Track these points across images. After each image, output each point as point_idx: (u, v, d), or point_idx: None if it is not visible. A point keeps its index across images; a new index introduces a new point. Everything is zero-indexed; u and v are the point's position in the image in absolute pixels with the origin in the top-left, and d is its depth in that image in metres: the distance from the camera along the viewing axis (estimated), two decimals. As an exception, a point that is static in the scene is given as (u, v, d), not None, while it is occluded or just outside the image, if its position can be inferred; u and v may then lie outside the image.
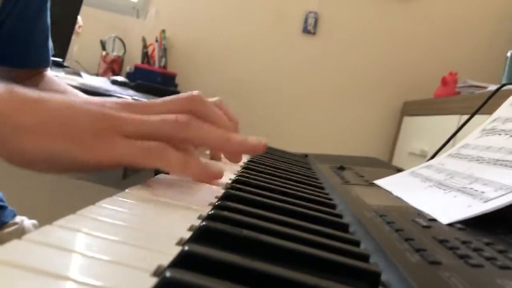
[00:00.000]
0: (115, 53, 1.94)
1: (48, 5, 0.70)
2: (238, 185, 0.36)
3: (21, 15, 0.66)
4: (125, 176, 0.74)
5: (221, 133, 0.37)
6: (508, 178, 0.37)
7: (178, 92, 1.79)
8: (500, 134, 0.48)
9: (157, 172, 0.38)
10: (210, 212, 0.27)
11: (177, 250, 0.20)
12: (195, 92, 0.38)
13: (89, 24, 1.87)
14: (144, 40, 1.92)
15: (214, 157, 0.50)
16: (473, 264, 0.24)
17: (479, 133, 0.53)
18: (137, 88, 1.65)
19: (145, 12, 2.04)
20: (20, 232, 0.68)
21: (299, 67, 2.06)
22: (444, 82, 1.80)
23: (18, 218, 0.71)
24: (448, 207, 0.37)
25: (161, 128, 0.34)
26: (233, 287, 0.18)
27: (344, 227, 0.31)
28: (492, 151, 0.45)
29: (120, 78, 1.72)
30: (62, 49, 1.60)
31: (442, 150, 0.62)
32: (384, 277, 0.22)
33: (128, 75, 1.86)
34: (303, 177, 0.51)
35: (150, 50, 1.93)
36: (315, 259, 0.22)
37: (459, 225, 0.33)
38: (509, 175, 0.37)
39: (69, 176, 1.41)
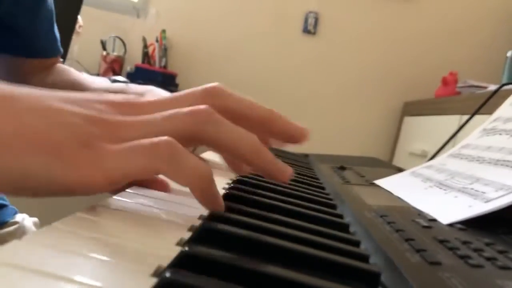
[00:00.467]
0: (115, 53, 1.94)
1: None
2: (238, 185, 0.36)
3: (19, 1, 0.64)
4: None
5: (253, 140, 0.28)
6: (508, 178, 0.37)
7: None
8: (500, 134, 0.48)
9: None
10: (210, 213, 0.27)
11: (177, 250, 0.20)
12: (214, 84, 0.30)
13: (89, 24, 1.87)
14: (144, 40, 1.92)
15: (234, 168, 0.37)
16: (473, 264, 0.24)
17: (480, 133, 0.53)
18: (138, 88, 1.65)
19: (145, 12, 2.04)
20: (21, 231, 0.68)
21: (299, 67, 2.06)
22: (444, 82, 1.80)
23: (19, 216, 0.71)
24: (448, 207, 0.37)
25: (169, 125, 0.26)
26: (233, 287, 0.18)
27: (345, 227, 0.31)
28: (492, 151, 0.45)
29: (120, 78, 1.72)
30: (62, 48, 1.60)
31: (443, 150, 0.62)
32: (384, 278, 0.22)
33: (128, 75, 1.86)
34: (303, 177, 0.51)
35: (150, 50, 1.93)
36: (315, 259, 0.22)
37: (459, 226, 0.33)
38: (510, 175, 0.37)
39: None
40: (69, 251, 0.18)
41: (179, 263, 0.19)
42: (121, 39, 1.96)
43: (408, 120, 1.95)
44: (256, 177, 0.41)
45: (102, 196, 0.27)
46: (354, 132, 2.07)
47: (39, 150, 0.22)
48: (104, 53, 1.91)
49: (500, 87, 0.71)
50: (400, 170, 0.63)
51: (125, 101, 0.28)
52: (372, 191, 0.47)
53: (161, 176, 0.32)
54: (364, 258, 0.24)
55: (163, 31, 1.96)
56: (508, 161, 0.41)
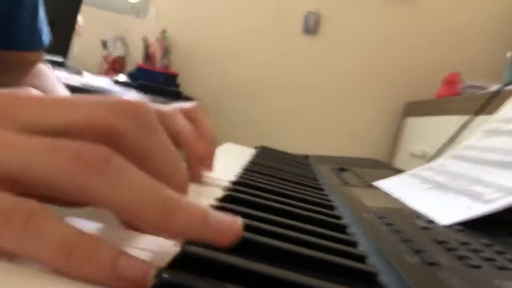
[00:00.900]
0: (116, 53, 1.94)
1: None
2: (237, 187, 0.36)
3: None
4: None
5: (158, 198, 0.18)
6: (508, 180, 0.37)
7: (180, 92, 1.76)
8: (502, 135, 0.48)
9: None
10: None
11: (175, 251, 0.20)
12: (136, 100, 0.20)
13: (89, 24, 1.88)
14: (145, 40, 1.92)
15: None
16: (471, 265, 0.24)
17: (481, 134, 0.53)
18: (139, 88, 1.65)
19: (144, 12, 2.05)
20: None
21: (299, 67, 2.06)
22: (445, 82, 1.80)
23: None
24: (447, 209, 0.37)
25: (36, 166, 0.17)
26: (231, 288, 0.18)
27: (343, 229, 0.31)
28: (494, 152, 0.45)
29: (122, 78, 1.73)
30: (63, 48, 1.60)
31: (444, 151, 0.62)
32: (382, 278, 0.22)
33: (130, 75, 1.86)
34: (302, 178, 0.51)
35: (151, 50, 1.93)
36: (313, 260, 0.22)
37: (458, 227, 0.33)
38: (510, 177, 0.37)
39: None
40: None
41: (178, 263, 0.19)
42: (122, 39, 1.97)
43: (409, 120, 1.95)
44: (256, 178, 0.41)
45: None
46: (354, 133, 2.07)
47: None
48: (105, 53, 1.92)
49: (502, 87, 0.71)
50: (399, 171, 0.63)
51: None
52: (371, 192, 0.47)
53: None
54: (361, 259, 0.24)
55: (164, 31, 1.96)
56: (508, 162, 0.41)
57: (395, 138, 2.04)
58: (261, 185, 0.39)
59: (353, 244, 0.27)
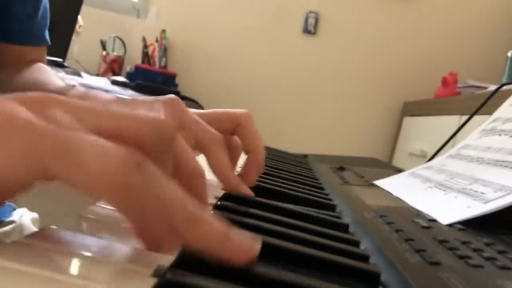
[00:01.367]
0: (115, 53, 1.94)
1: None
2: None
3: None
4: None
5: (187, 206, 0.19)
6: (508, 179, 0.37)
7: (178, 92, 1.77)
8: (500, 135, 0.48)
9: None
10: (210, 213, 0.27)
11: (177, 250, 0.20)
12: (173, 96, 0.25)
13: (89, 24, 1.87)
14: (144, 40, 1.92)
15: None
16: (473, 264, 0.24)
17: (479, 134, 0.53)
18: (137, 88, 1.65)
19: (145, 12, 2.04)
20: (19, 230, 0.68)
21: (299, 67, 2.06)
22: (444, 82, 1.80)
23: (18, 212, 0.70)
24: (448, 208, 0.37)
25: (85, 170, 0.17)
26: (233, 287, 0.18)
27: (344, 228, 0.31)
28: (492, 151, 0.45)
29: (120, 78, 1.72)
30: (62, 49, 1.60)
31: (442, 151, 0.62)
32: (384, 278, 0.22)
33: (128, 75, 1.86)
34: (302, 177, 0.51)
35: (150, 50, 1.93)
36: (315, 260, 0.22)
37: (459, 226, 0.33)
38: (509, 176, 0.37)
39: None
40: (69, 252, 0.18)
41: (179, 263, 0.19)
42: (121, 39, 1.96)
43: (407, 120, 1.95)
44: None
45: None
46: (354, 132, 2.07)
47: None
48: (104, 53, 1.91)
49: (500, 87, 0.71)
50: (399, 170, 0.63)
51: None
52: (372, 191, 0.47)
53: None
54: (364, 258, 0.24)
55: (163, 31, 1.96)
56: (507, 161, 0.41)
57: (394, 138, 2.04)
58: (260, 184, 0.39)
59: (355, 243, 0.27)
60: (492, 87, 1.41)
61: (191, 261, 0.19)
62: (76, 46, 1.80)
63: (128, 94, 1.49)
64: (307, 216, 0.32)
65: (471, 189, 0.39)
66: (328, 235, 0.27)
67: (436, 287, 0.21)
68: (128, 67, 1.94)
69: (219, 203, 0.29)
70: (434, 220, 0.34)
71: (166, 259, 0.19)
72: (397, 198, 0.43)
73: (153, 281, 0.17)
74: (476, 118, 0.65)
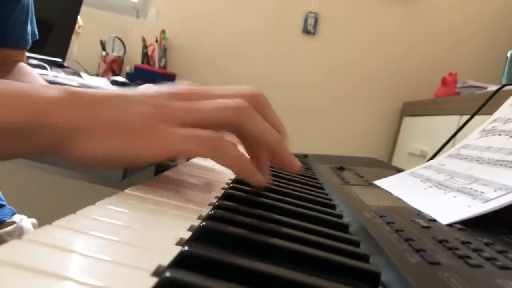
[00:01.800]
0: (115, 53, 1.94)
1: None
2: (237, 185, 0.36)
3: None
4: (124, 176, 0.74)
5: (276, 133, 0.34)
6: (508, 178, 0.37)
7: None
8: (500, 135, 0.48)
9: (157, 172, 0.38)
10: (210, 212, 0.27)
11: (176, 250, 0.20)
12: (256, 89, 0.36)
13: (89, 24, 1.87)
14: (144, 40, 1.92)
15: (252, 157, 0.39)
16: (473, 264, 0.24)
17: (479, 134, 0.53)
18: (137, 88, 1.64)
19: (145, 12, 2.04)
20: (19, 231, 0.68)
21: (299, 68, 2.06)
22: (444, 82, 1.80)
23: (17, 217, 0.71)
24: (447, 208, 0.37)
25: (216, 114, 0.32)
26: (233, 287, 0.18)
27: (344, 228, 0.31)
28: (492, 151, 0.45)
29: (120, 79, 1.72)
30: (62, 49, 1.60)
31: (442, 151, 0.62)
32: (384, 278, 0.22)
33: (128, 76, 1.86)
34: (302, 177, 0.51)
35: (150, 50, 1.93)
36: (315, 259, 0.22)
37: (458, 226, 0.33)
38: (509, 176, 0.37)
39: (68, 175, 1.41)
40: (69, 251, 0.18)
41: (179, 262, 0.19)
42: (120, 40, 1.96)
43: (407, 120, 1.95)
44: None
45: (102, 196, 0.27)
46: (353, 132, 2.07)
47: (119, 135, 0.31)
48: (104, 53, 1.91)
49: (501, 87, 0.71)
50: (399, 170, 0.63)
51: (179, 91, 0.35)
52: (372, 191, 0.47)
53: None
54: (364, 258, 0.24)
55: (163, 31, 1.96)
56: (507, 161, 0.41)
57: (393, 138, 2.04)
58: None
59: (355, 243, 0.27)
60: (492, 87, 1.41)
61: (191, 261, 0.19)
62: (75, 46, 1.80)
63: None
64: (307, 216, 0.32)
65: (471, 189, 0.39)
66: (328, 235, 0.27)
67: (436, 287, 0.21)
68: (127, 68, 1.94)
69: (219, 202, 0.29)
70: (434, 220, 0.34)
71: (166, 259, 0.19)
72: (397, 198, 0.43)
73: (153, 281, 0.17)
74: (476, 118, 0.65)
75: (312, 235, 0.25)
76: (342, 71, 2.06)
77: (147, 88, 0.35)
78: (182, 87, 0.36)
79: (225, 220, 0.25)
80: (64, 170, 1.06)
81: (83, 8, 1.64)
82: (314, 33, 2.04)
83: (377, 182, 0.52)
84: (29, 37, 0.73)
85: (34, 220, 0.73)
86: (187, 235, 0.23)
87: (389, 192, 0.46)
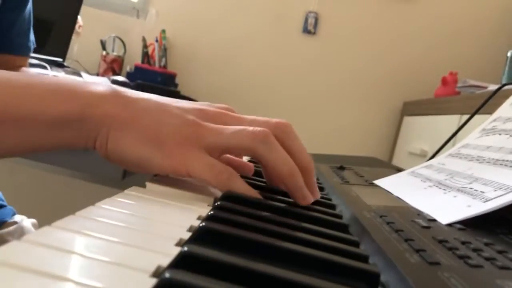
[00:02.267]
0: (115, 53, 1.94)
1: None
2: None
3: (6, 6, 0.69)
4: (124, 176, 0.74)
5: (292, 165, 0.34)
6: (508, 178, 0.37)
7: (178, 92, 1.78)
8: (500, 134, 0.48)
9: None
10: (209, 213, 0.27)
11: (176, 250, 0.20)
12: (283, 120, 0.37)
13: (89, 24, 1.87)
14: (144, 40, 1.92)
15: (269, 183, 0.39)
16: (472, 264, 0.24)
17: (479, 133, 0.53)
18: (137, 88, 1.64)
19: (145, 12, 2.04)
20: (20, 231, 0.68)
21: (299, 67, 2.06)
22: (444, 82, 1.80)
23: (17, 217, 0.71)
24: (447, 207, 0.37)
25: (235, 139, 0.34)
26: (233, 287, 0.18)
27: (344, 228, 0.31)
28: (492, 151, 0.45)
29: (120, 78, 1.72)
30: (62, 49, 1.60)
31: (442, 150, 0.62)
32: (383, 278, 0.22)
33: (128, 75, 1.86)
34: (303, 177, 0.50)
35: (150, 50, 1.93)
36: (315, 260, 0.22)
37: (458, 225, 0.33)
38: (509, 175, 0.37)
39: (68, 175, 1.41)
40: (69, 251, 0.18)
41: (179, 263, 0.19)
42: (120, 39, 1.96)
43: (407, 120, 1.95)
44: (254, 177, 0.41)
45: (101, 196, 0.27)
46: (354, 132, 2.07)
47: (149, 142, 0.33)
48: (104, 53, 1.91)
49: (500, 87, 0.71)
50: (399, 170, 0.63)
51: (212, 111, 0.37)
52: (372, 191, 0.47)
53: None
54: (364, 258, 0.24)
55: (163, 31, 1.96)
56: (507, 160, 0.41)
57: (393, 137, 2.04)
58: (260, 184, 0.39)
59: (355, 243, 0.27)
60: (492, 87, 1.40)
61: (190, 261, 0.19)
62: (76, 46, 1.80)
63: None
64: (307, 216, 0.32)
65: (471, 188, 0.39)
66: (328, 235, 0.27)
67: (436, 287, 0.21)
68: (128, 67, 1.94)
69: (218, 203, 0.29)
70: (434, 220, 0.34)
71: (166, 259, 0.19)
72: (397, 198, 0.43)
73: (153, 281, 0.17)
74: (476, 117, 0.65)
75: (312, 235, 0.25)
76: (342, 70, 2.06)
77: (183, 101, 0.37)
78: (213, 108, 0.38)
79: (225, 220, 0.25)
80: (64, 170, 1.06)
81: (83, 8, 1.64)
82: (314, 33, 2.04)
83: (377, 182, 0.52)
84: (31, 44, 0.76)
85: (34, 220, 0.73)
86: (186, 235, 0.23)
87: (389, 192, 0.46)
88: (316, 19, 2.03)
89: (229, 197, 0.32)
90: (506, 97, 0.55)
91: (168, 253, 0.20)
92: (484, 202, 0.35)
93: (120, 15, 2.03)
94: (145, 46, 1.91)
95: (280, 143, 0.35)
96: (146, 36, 1.93)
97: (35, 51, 0.85)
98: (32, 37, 0.78)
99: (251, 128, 0.34)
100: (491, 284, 0.22)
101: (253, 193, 0.34)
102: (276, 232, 0.25)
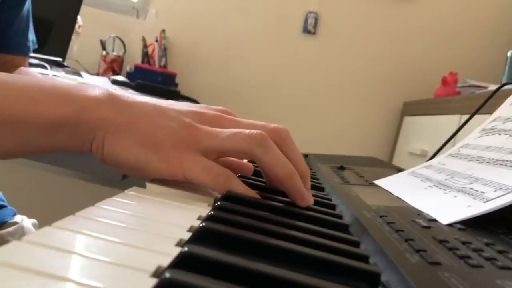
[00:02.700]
0: (115, 53, 1.94)
1: None
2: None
3: (3, 4, 0.69)
4: (124, 176, 0.74)
5: (290, 168, 0.34)
6: (508, 178, 0.37)
7: (178, 92, 1.78)
8: (500, 134, 0.48)
9: None
10: (209, 213, 0.27)
11: (176, 251, 0.20)
12: (280, 126, 0.37)
13: (89, 24, 1.87)
14: (144, 40, 1.92)
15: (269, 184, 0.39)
16: (473, 264, 0.24)
17: (479, 133, 0.53)
18: (137, 88, 1.65)
19: (145, 12, 2.04)
20: (20, 232, 0.68)
21: (299, 67, 2.06)
22: (444, 82, 1.80)
23: (18, 217, 0.71)
24: (448, 207, 0.37)
25: (231, 142, 0.34)
26: (233, 287, 0.18)
27: (344, 228, 0.31)
28: (492, 151, 0.45)
29: (120, 78, 1.72)
30: (62, 48, 1.60)
31: (442, 150, 0.62)
32: (384, 278, 0.22)
33: (128, 75, 1.86)
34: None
35: (150, 50, 1.93)
36: (315, 260, 0.22)
37: (459, 226, 0.33)
38: (509, 175, 0.37)
39: (68, 175, 1.41)
40: (69, 252, 0.18)
41: (179, 263, 0.19)
42: (120, 39, 1.96)
43: (407, 120, 1.95)
44: (254, 177, 0.41)
45: (102, 197, 0.27)
46: (354, 132, 2.07)
47: (145, 146, 0.33)
48: (104, 53, 1.91)
49: (500, 87, 0.71)
50: (399, 170, 0.63)
51: (209, 114, 0.37)
52: (372, 191, 0.47)
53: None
54: (364, 259, 0.24)
55: (163, 31, 1.96)
56: (507, 160, 0.41)
57: (394, 137, 2.04)
58: (260, 184, 0.39)
59: (355, 243, 0.27)
60: (492, 87, 1.40)
61: (190, 261, 0.19)
62: (76, 46, 1.80)
63: (128, 93, 1.49)
64: (307, 216, 0.32)
65: (471, 188, 0.39)
66: (328, 235, 0.27)
67: (436, 287, 0.21)
68: (128, 67, 1.94)
69: (219, 203, 0.29)
70: (434, 220, 0.34)
71: (166, 259, 0.19)
72: (397, 198, 0.43)
73: (153, 281, 0.17)
74: (476, 117, 0.65)
75: (312, 236, 0.25)
76: (342, 70, 2.06)
77: (180, 104, 0.37)
78: (211, 111, 0.38)
79: (225, 220, 0.25)
80: (64, 170, 1.06)
81: (83, 8, 1.64)
82: (314, 33, 2.04)
83: (378, 182, 0.52)
84: (30, 44, 0.76)
85: (34, 221, 0.74)
86: (186, 235, 0.23)
87: (390, 192, 0.46)
88: (316, 19, 2.03)
89: (229, 197, 0.32)
90: (506, 97, 0.55)
91: (168, 253, 0.20)
92: (485, 202, 0.35)
93: (120, 15, 2.03)
94: (145, 46, 1.91)
95: (277, 147, 0.35)
96: (146, 36, 1.93)
97: (35, 51, 0.85)
98: (32, 36, 0.78)
99: (247, 131, 0.34)
100: (491, 284, 0.22)
101: (252, 194, 0.34)
102: (276, 232, 0.25)
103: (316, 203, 0.36)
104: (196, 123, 0.35)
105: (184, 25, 2.05)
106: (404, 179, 0.52)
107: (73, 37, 1.66)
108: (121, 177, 0.74)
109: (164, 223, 0.25)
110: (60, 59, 1.54)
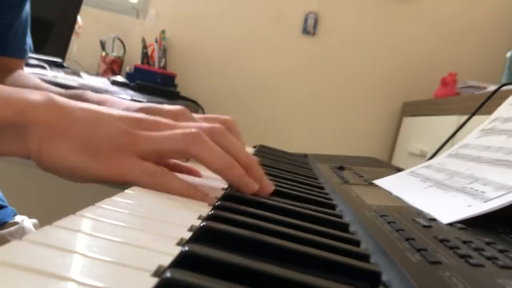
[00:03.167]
0: (114, 54, 1.94)
1: None
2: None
3: (4, 7, 0.69)
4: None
5: (227, 158, 0.35)
6: (508, 177, 0.37)
7: (177, 93, 1.78)
8: (499, 134, 0.48)
9: None
10: (210, 212, 0.27)
11: (177, 250, 0.20)
12: (224, 117, 0.38)
13: (89, 24, 1.87)
14: (144, 40, 1.92)
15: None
16: (473, 263, 0.24)
17: (479, 133, 0.53)
18: (137, 89, 1.65)
19: (145, 13, 2.04)
20: (21, 232, 0.68)
21: (298, 68, 2.06)
22: (443, 82, 1.80)
23: (18, 218, 0.71)
24: (448, 207, 0.37)
25: (165, 144, 0.35)
26: (233, 287, 0.18)
27: (344, 227, 0.31)
28: (491, 151, 0.45)
29: (120, 79, 1.72)
30: (61, 49, 1.60)
31: (442, 150, 0.62)
32: (385, 277, 0.22)
33: (127, 76, 1.85)
34: (302, 177, 0.51)
35: (149, 50, 1.93)
36: (315, 259, 0.22)
37: (459, 225, 0.33)
38: (509, 175, 0.37)
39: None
40: (69, 251, 0.18)
41: (180, 262, 0.19)
42: (120, 40, 1.96)
43: (407, 120, 1.95)
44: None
45: (102, 196, 0.27)
46: (353, 132, 2.07)
47: (82, 151, 0.33)
48: (103, 53, 1.91)
49: (500, 87, 0.71)
50: (399, 170, 0.63)
51: (147, 120, 0.37)
52: (372, 191, 0.47)
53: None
54: (365, 258, 0.24)
55: (163, 31, 1.96)
56: (507, 160, 0.41)
57: (393, 138, 2.04)
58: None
59: (356, 243, 0.27)
60: (492, 87, 1.40)
61: (192, 261, 0.19)
62: (75, 46, 1.80)
63: (127, 94, 1.49)
64: (307, 216, 0.32)
65: (471, 188, 0.39)
66: (328, 235, 0.27)
67: (437, 286, 0.21)
68: (127, 68, 1.94)
69: (219, 203, 0.29)
70: (435, 219, 0.34)
71: (167, 259, 0.19)
72: (397, 198, 0.43)
73: (153, 281, 0.17)
74: (476, 118, 0.65)
75: (312, 235, 0.25)
76: (342, 71, 2.06)
77: (125, 106, 0.38)
78: (149, 118, 0.38)
79: (225, 220, 0.25)
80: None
81: (83, 8, 1.64)
82: (314, 34, 2.04)
83: (377, 182, 0.52)
84: (27, 47, 0.76)
85: (35, 221, 0.73)
86: (187, 235, 0.23)
87: (389, 192, 0.46)
88: (316, 20, 2.03)
89: (230, 196, 0.32)
90: (506, 97, 0.55)
91: (169, 253, 0.20)
92: (485, 202, 0.35)
93: (119, 16, 2.03)
94: (144, 46, 1.91)
95: (215, 144, 0.35)
96: (146, 36, 1.93)
97: (35, 51, 0.85)
98: (29, 40, 0.78)
99: (182, 131, 0.35)
100: (492, 283, 0.22)
101: (193, 191, 0.34)
102: (276, 231, 0.25)
103: (316, 203, 0.36)
104: (132, 129, 0.35)
105: (184, 26, 2.05)
106: (404, 179, 0.52)
107: (73, 37, 1.66)
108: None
109: (165, 222, 0.25)
110: (59, 60, 1.54)
